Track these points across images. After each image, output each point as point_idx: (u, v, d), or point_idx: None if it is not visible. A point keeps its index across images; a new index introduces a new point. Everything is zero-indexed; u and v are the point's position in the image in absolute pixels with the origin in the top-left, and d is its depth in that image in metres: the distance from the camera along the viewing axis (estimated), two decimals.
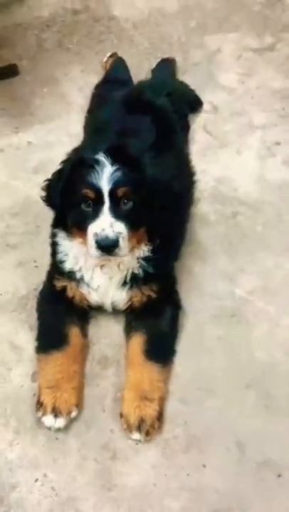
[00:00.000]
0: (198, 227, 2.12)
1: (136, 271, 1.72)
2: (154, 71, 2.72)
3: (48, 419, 1.57)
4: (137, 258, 1.70)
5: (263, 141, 2.43)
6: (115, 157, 1.56)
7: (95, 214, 1.54)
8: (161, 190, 1.64)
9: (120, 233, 1.51)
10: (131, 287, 1.73)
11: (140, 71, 2.77)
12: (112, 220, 1.51)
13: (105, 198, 1.53)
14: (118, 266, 1.70)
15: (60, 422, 1.58)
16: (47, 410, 1.58)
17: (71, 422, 1.61)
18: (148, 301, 1.75)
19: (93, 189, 1.53)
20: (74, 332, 1.73)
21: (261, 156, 2.38)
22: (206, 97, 2.63)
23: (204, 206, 2.20)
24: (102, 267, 1.71)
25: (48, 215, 2.12)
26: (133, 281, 1.73)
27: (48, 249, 1.99)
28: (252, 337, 1.81)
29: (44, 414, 1.58)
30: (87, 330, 1.82)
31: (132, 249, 1.63)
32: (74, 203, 1.59)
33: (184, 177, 2.08)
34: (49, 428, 1.59)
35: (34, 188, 2.23)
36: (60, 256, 1.76)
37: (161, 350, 1.71)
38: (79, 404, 1.63)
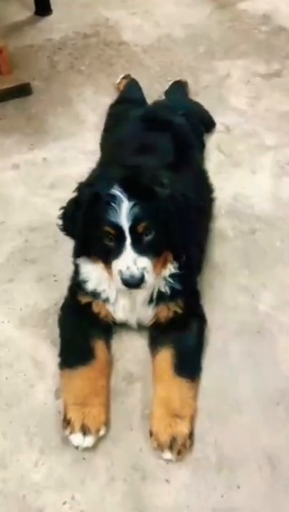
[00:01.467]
0: (217, 243, 2.12)
1: (162, 289, 1.70)
2: (167, 92, 2.77)
3: (77, 438, 1.51)
4: (164, 278, 1.69)
5: (276, 161, 2.48)
6: (130, 190, 1.53)
7: (118, 249, 1.53)
8: (178, 210, 1.60)
9: (145, 268, 1.51)
10: (157, 304, 1.71)
11: (152, 93, 2.83)
12: (135, 256, 1.51)
13: (126, 234, 1.52)
14: None
15: (89, 441, 1.52)
16: (75, 428, 1.52)
17: (98, 440, 1.56)
18: (174, 316, 1.72)
19: (114, 227, 1.53)
20: (99, 346, 1.70)
21: (275, 175, 2.41)
22: (218, 118, 2.69)
23: (222, 222, 2.21)
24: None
25: None
26: (160, 298, 1.71)
27: (68, 264, 1.98)
28: (277, 352, 1.79)
29: (72, 432, 1.52)
30: (110, 344, 1.78)
31: (158, 273, 1.62)
32: (96, 237, 1.58)
33: (203, 193, 2.10)
34: (77, 447, 1.53)
35: (52, 204, 2.25)
36: (82, 276, 1.74)
37: (189, 364, 1.67)
38: (107, 422, 1.58)
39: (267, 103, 2.82)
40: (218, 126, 2.66)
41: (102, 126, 2.60)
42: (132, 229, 1.52)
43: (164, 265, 1.65)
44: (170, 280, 1.69)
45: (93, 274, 1.70)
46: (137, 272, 1.49)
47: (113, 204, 1.52)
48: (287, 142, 2.58)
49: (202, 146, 2.43)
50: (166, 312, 1.72)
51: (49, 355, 1.76)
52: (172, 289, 1.69)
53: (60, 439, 1.57)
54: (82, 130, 2.67)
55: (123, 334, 1.83)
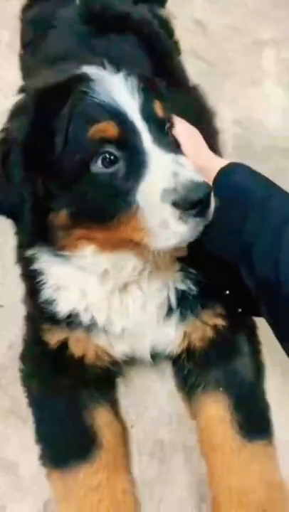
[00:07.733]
0: None
1: (182, 286, 0.98)
2: None
3: None
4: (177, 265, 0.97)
5: (281, 60, 1.74)
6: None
7: (133, 166, 0.79)
8: None
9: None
10: (182, 315, 1.00)
11: None
12: (172, 154, 0.80)
13: (138, 126, 0.81)
14: (147, 282, 0.95)
15: None
16: None
17: None
18: (215, 334, 1.02)
19: (113, 115, 0.80)
20: (102, 418, 0.99)
21: (286, 83, 1.68)
22: (184, 10, 1.85)
23: None
24: (123, 288, 0.95)
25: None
26: (183, 303, 0.99)
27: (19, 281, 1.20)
28: None
29: None
30: (118, 404, 1.08)
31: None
32: (73, 170, 0.81)
33: (206, 123, 1.35)
34: None
35: None
36: (47, 293, 0.97)
37: (260, 416, 1.01)
38: None
39: None
40: (188, 24, 1.83)
41: (17, 45, 1.70)
42: (145, 113, 0.82)
43: None
44: (190, 270, 0.97)
45: (72, 279, 0.94)
46: (196, 176, 0.76)
47: (98, 81, 0.83)
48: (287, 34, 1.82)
49: (178, 50, 1.61)
50: (200, 329, 1.01)
51: (21, 443, 1.04)
52: (198, 283, 0.98)
53: None
54: None
55: (133, 376, 1.13)
